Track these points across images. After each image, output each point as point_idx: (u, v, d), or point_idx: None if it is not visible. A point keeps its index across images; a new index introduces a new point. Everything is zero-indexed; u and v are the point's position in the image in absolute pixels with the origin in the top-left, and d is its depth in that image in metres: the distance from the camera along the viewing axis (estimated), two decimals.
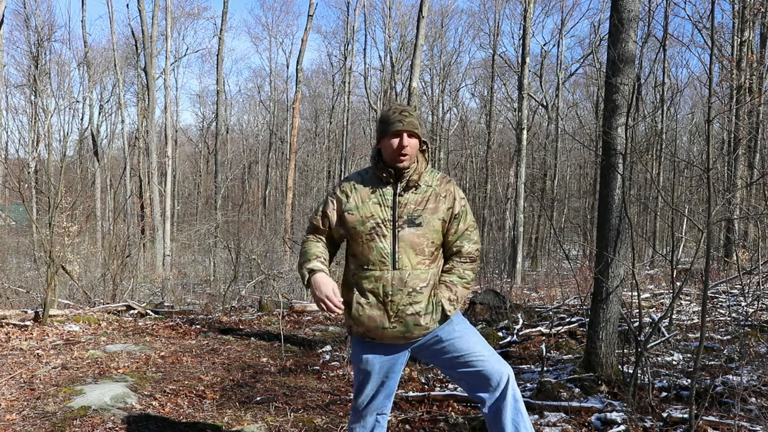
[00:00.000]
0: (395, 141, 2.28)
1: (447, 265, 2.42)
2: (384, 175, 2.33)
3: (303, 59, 22.52)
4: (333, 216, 2.40)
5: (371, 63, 50.00)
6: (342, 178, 2.55)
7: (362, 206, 2.33)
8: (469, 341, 2.38)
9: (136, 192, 23.34)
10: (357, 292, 2.32)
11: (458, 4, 68.11)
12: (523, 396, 4.08)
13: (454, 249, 2.40)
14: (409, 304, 2.27)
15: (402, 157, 2.28)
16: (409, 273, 2.29)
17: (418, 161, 2.36)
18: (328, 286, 2.25)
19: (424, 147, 2.40)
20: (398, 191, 2.32)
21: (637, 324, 4.41)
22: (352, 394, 3.08)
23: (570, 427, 3.54)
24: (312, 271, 2.30)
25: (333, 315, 2.22)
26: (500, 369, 2.33)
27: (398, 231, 2.28)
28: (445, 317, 2.35)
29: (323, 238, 2.47)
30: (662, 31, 17.65)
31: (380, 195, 2.33)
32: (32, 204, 19.25)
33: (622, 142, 4.29)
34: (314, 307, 8.77)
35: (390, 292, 2.27)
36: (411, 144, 2.28)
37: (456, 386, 4.47)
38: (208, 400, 4.24)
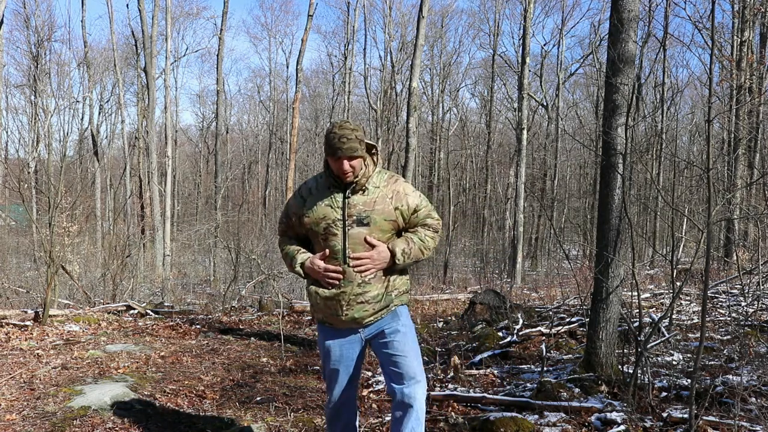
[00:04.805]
0: (336, 165, 2.48)
1: (413, 229, 2.64)
2: (334, 182, 2.56)
3: (303, 59, 22.39)
4: (294, 219, 2.67)
5: (371, 63, 49.89)
6: (301, 183, 2.79)
7: (316, 209, 2.56)
8: (405, 345, 2.60)
9: (136, 192, 23.31)
10: (314, 284, 2.61)
11: (458, 4, 68.09)
12: (523, 396, 4.09)
13: (420, 224, 2.64)
14: (359, 293, 2.52)
15: (345, 177, 2.50)
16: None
17: (366, 164, 2.56)
18: (319, 264, 2.55)
19: (373, 150, 2.60)
20: (347, 194, 2.54)
21: (637, 324, 4.41)
22: None
23: (570, 427, 3.54)
24: (302, 265, 2.61)
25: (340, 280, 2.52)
26: (418, 378, 2.59)
27: (348, 230, 2.52)
28: (392, 271, 2.57)
29: (293, 237, 2.75)
30: (662, 31, 17.66)
31: (332, 198, 2.56)
32: (32, 204, 19.24)
33: (622, 142, 4.29)
34: None
35: (342, 284, 2.53)
36: (352, 164, 2.48)
37: (456, 386, 4.48)
38: (208, 400, 4.24)
